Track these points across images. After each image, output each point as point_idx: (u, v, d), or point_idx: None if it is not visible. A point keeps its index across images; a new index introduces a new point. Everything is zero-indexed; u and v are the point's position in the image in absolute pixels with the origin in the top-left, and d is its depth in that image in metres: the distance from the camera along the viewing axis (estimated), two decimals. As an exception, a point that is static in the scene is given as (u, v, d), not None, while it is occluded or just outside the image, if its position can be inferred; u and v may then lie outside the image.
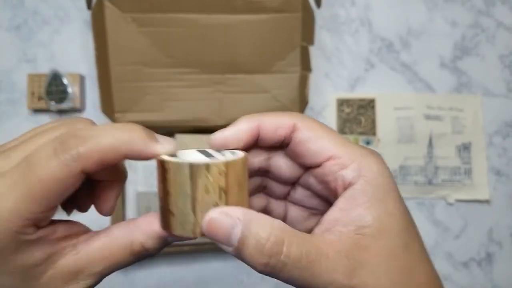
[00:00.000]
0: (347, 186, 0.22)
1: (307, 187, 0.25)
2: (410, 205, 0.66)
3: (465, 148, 0.67)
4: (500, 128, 0.69)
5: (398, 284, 0.21)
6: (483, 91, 0.69)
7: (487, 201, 0.67)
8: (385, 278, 0.21)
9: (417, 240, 0.22)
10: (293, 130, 0.23)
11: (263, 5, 0.53)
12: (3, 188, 0.19)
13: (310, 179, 0.24)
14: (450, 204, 0.67)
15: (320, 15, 0.68)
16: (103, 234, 0.22)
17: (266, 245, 0.20)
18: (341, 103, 0.67)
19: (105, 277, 0.23)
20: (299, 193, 0.26)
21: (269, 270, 0.20)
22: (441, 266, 0.66)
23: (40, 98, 0.62)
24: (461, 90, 0.69)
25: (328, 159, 0.22)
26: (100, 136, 0.20)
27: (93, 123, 0.23)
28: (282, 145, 0.24)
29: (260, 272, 0.21)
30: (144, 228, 0.22)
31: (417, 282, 0.21)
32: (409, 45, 0.69)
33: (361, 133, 0.67)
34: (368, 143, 0.66)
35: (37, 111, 0.64)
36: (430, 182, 0.66)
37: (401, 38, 0.69)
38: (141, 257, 0.23)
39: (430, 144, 0.66)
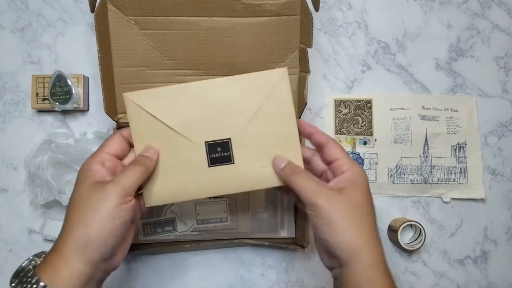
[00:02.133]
0: (341, 173, 0.42)
1: (325, 179, 0.45)
2: (406, 203, 0.67)
3: (460, 148, 0.68)
4: (495, 128, 0.70)
5: (348, 220, 0.39)
6: (478, 92, 0.70)
7: (482, 200, 0.68)
8: (342, 211, 0.40)
9: (370, 218, 0.41)
10: (327, 142, 0.44)
11: (262, 8, 0.55)
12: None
13: (328, 173, 0.45)
14: (446, 203, 0.68)
15: (318, 18, 0.69)
16: None
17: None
18: (339, 103, 0.68)
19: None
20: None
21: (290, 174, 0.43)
22: (437, 263, 0.67)
23: (44, 99, 0.63)
24: (456, 91, 0.70)
25: (337, 159, 0.43)
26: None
27: None
28: (319, 149, 0.46)
29: (284, 180, 0.43)
30: None
31: (357, 229, 0.40)
32: (405, 47, 0.70)
33: (358, 133, 0.68)
34: (365, 143, 0.67)
35: (41, 111, 0.65)
36: (425, 181, 0.67)
37: (397, 41, 0.70)
38: None
39: (426, 144, 0.68)
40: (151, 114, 0.44)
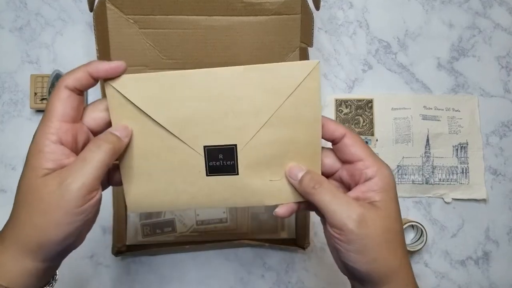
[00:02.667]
0: (367, 179, 0.34)
1: (338, 179, 0.37)
2: (408, 204, 0.67)
3: (462, 148, 0.68)
4: (497, 128, 0.69)
5: (383, 244, 0.32)
6: (479, 91, 0.70)
7: (484, 200, 0.68)
8: (377, 237, 0.32)
9: (402, 235, 0.35)
10: (344, 136, 0.35)
11: (263, 7, 0.54)
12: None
13: (343, 173, 0.36)
14: (447, 203, 0.68)
15: (319, 17, 0.69)
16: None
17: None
18: (340, 103, 0.68)
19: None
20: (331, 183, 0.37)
21: (311, 191, 0.34)
22: (439, 264, 0.67)
23: (43, 99, 0.62)
24: (458, 91, 0.69)
25: (359, 160, 0.34)
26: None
27: None
28: (333, 142, 0.36)
29: (304, 194, 0.35)
30: None
31: (392, 254, 0.33)
32: (406, 47, 0.70)
33: (359, 133, 0.67)
34: (366, 143, 0.67)
35: (40, 111, 0.65)
36: (427, 182, 0.67)
37: (399, 40, 0.70)
38: None
39: (427, 144, 0.67)
40: (138, 108, 0.34)
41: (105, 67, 0.33)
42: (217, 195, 0.37)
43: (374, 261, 0.32)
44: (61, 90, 0.32)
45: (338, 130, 0.35)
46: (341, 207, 0.33)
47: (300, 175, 0.35)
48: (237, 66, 0.34)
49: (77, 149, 0.33)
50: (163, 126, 0.35)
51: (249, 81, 0.34)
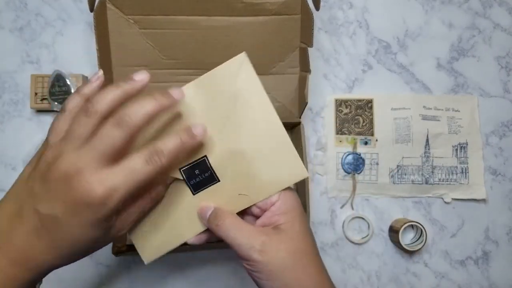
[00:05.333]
0: (272, 205, 0.36)
1: (249, 213, 0.38)
2: (408, 204, 0.67)
3: (462, 148, 0.68)
4: (497, 128, 0.70)
5: (291, 267, 0.33)
6: (479, 91, 0.70)
7: (483, 200, 0.68)
8: (282, 261, 0.33)
9: (312, 245, 0.36)
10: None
11: (263, 7, 0.54)
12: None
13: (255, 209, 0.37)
14: (447, 203, 0.68)
15: (319, 18, 0.69)
16: None
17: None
18: (340, 103, 0.68)
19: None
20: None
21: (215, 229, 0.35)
22: (438, 264, 0.67)
23: (43, 99, 0.62)
24: (457, 91, 0.70)
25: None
26: None
27: None
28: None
29: (212, 231, 0.36)
30: None
31: (305, 274, 0.33)
32: (406, 47, 0.70)
33: (359, 133, 0.67)
34: (366, 143, 0.67)
35: (40, 111, 0.65)
36: (427, 182, 0.67)
37: (398, 40, 0.70)
38: None
39: (427, 144, 0.67)
40: None
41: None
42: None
43: (286, 286, 0.33)
44: None
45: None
46: (244, 239, 0.33)
47: (208, 214, 0.36)
48: (189, 83, 0.36)
49: None
50: None
51: (200, 93, 0.35)
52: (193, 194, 0.37)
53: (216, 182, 0.36)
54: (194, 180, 0.36)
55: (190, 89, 0.35)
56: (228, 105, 0.36)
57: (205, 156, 0.36)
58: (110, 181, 0.28)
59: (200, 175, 0.36)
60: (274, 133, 0.36)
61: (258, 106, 0.36)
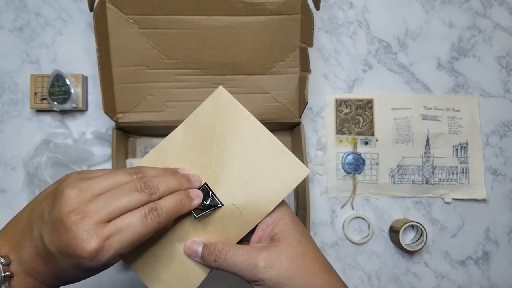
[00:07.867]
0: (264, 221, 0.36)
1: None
2: (408, 204, 0.67)
3: (462, 148, 0.68)
4: (497, 128, 0.69)
5: (295, 274, 0.34)
6: (479, 91, 0.70)
7: (484, 200, 0.68)
8: (287, 270, 0.33)
9: (311, 245, 0.36)
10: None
11: (263, 7, 0.54)
12: None
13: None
14: (447, 203, 0.68)
15: (319, 17, 0.69)
16: None
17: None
18: (340, 103, 0.68)
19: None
20: None
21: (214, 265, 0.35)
22: (439, 264, 0.66)
23: (43, 99, 0.62)
24: (458, 91, 0.69)
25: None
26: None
27: None
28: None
29: (210, 267, 0.36)
30: None
31: (312, 276, 0.34)
32: (406, 47, 0.69)
33: (359, 133, 0.67)
34: (366, 143, 0.67)
35: (39, 111, 0.65)
36: (427, 182, 0.67)
37: (399, 40, 0.70)
38: None
39: (428, 144, 0.67)
40: None
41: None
42: (219, 236, 0.37)
43: None
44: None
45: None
46: (246, 264, 0.34)
47: (199, 251, 0.36)
48: (179, 126, 0.39)
49: None
50: None
51: (187, 133, 0.38)
52: (195, 219, 0.36)
53: (219, 207, 0.36)
54: (196, 209, 0.36)
55: (179, 131, 0.39)
56: (217, 135, 0.38)
57: (206, 183, 0.37)
58: (103, 236, 0.28)
59: (203, 201, 0.36)
60: (265, 143, 0.37)
61: (244, 124, 0.38)
